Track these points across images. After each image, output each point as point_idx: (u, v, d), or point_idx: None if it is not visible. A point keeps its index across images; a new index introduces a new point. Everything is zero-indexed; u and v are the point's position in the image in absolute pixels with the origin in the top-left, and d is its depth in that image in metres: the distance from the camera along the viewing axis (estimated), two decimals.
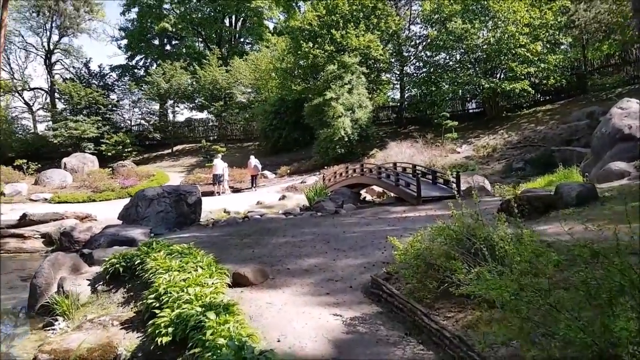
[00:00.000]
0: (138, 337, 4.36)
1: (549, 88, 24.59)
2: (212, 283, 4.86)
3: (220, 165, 20.35)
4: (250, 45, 41.66)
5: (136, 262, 6.08)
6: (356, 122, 23.27)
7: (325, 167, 22.02)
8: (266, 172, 23.60)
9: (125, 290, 5.92)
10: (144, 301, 4.71)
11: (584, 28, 24.59)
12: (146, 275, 5.51)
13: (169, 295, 4.46)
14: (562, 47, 24.70)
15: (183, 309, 4.08)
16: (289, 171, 23.96)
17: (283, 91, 28.29)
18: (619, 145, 15.59)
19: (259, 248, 8.02)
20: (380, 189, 16.27)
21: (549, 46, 23.42)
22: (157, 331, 3.97)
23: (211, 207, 15.47)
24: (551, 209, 8.89)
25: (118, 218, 11.66)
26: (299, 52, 25.59)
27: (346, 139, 22.73)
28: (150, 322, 4.18)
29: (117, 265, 6.09)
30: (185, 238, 9.33)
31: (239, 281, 5.81)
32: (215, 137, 34.31)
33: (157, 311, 4.27)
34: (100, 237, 9.04)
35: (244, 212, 14.38)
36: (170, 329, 3.93)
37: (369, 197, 16.77)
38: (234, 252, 7.83)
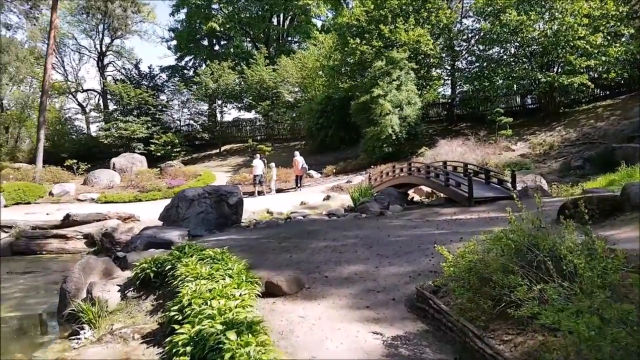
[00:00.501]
0: (158, 353, 4.02)
1: (609, 82, 22.86)
2: (240, 295, 4.45)
3: (260, 166, 19.98)
4: (297, 44, 41.51)
5: (167, 268, 5.80)
6: (404, 120, 22.45)
7: (372, 167, 21.39)
8: (312, 172, 23.25)
9: (155, 297, 5.65)
10: (167, 313, 4.37)
11: None
12: (175, 282, 5.19)
13: (192, 308, 4.09)
14: (623, 39, 22.81)
15: (204, 325, 3.68)
16: (334, 170, 23.48)
17: (330, 89, 27.86)
18: None
19: (297, 252, 7.59)
20: (428, 189, 15.49)
21: (609, 38, 21.69)
22: (174, 350, 3.60)
23: (254, 208, 15.27)
24: (617, 211, 7.94)
25: (159, 219, 11.60)
26: (346, 49, 25.03)
27: (394, 137, 21.97)
28: (169, 338, 3.82)
29: (147, 271, 5.83)
30: (222, 241, 9.06)
31: (271, 291, 5.39)
32: (263, 136, 34.35)
33: (176, 326, 3.91)
34: (137, 239, 8.92)
35: (287, 213, 14.05)
36: (188, 348, 3.55)
37: (417, 198, 16.02)
38: (271, 256, 7.45)
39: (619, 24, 21.37)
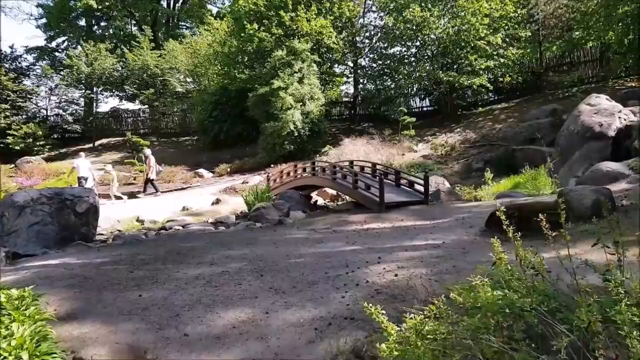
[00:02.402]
0: None
1: (504, 86, 23.25)
2: None
3: (83, 166, 16.01)
4: (189, 30, 37.96)
5: None
6: (307, 116, 20.69)
7: (272, 166, 19.40)
8: (202, 170, 20.55)
9: None
10: None
11: (543, 23, 23.38)
12: None
13: None
14: (521, 42, 23.33)
15: None
16: (229, 169, 21.02)
17: (225, 79, 25.24)
18: (589, 144, 14.17)
19: (153, 288, 5.19)
20: (334, 192, 13.75)
21: (508, 40, 21.94)
22: None
23: (122, 215, 12.35)
24: (556, 223, 6.58)
25: None
26: (243, 35, 22.62)
27: (296, 134, 20.12)
28: None
29: None
30: (49, 268, 6.34)
31: None
32: (147, 130, 30.60)
33: None
34: None
35: (162, 222, 11.41)
36: None
37: (320, 201, 14.19)
38: (110, 296, 4.96)
39: (517, 26, 21.59)
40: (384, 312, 2.69)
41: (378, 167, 12.15)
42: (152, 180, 16.76)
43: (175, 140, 28.49)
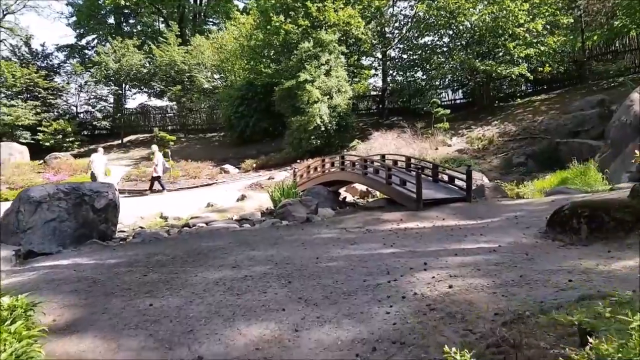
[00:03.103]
0: None
1: (544, 76, 21.87)
2: None
3: (99, 162, 15.68)
4: (216, 25, 37.64)
5: None
6: (334, 110, 19.93)
7: (298, 161, 18.75)
8: (228, 166, 20.06)
9: None
10: None
11: (585, 9, 21.91)
12: None
13: None
14: (561, 30, 21.95)
15: None
16: (255, 165, 20.46)
17: (251, 74, 24.72)
18: None
19: (167, 295, 4.57)
20: (363, 188, 12.99)
21: (548, 27, 20.62)
22: None
23: (145, 211, 11.89)
24: (624, 224, 5.66)
25: None
26: (269, 28, 22.00)
27: (323, 129, 19.40)
28: None
29: None
30: (58, 269, 5.81)
31: None
32: (175, 126, 30.39)
33: None
34: None
35: (186, 219, 10.87)
36: None
37: (349, 198, 13.44)
38: (118, 303, 4.36)
39: (558, 12, 20.27)
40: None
41: (413, 161, 11.32)
42: (159, 177, 16.28)
43: (202, 136, 28.17)
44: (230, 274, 5.24)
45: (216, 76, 29.96)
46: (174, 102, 30.31)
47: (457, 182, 9.86)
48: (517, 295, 3.86)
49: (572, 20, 20.71)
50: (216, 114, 29.28)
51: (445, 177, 10.33)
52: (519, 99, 22.71)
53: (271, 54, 23.77)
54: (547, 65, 20.86)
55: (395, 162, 11.22)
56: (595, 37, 22.87)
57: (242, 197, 13.78)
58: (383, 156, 11.72)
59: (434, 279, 4.57)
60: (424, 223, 7.88)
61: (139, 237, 8.09)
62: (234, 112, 24.08)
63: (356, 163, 11.42)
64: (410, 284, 4.47)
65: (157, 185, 16.42)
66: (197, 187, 17.52)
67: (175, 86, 27.66)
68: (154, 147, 17.20)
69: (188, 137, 27.90)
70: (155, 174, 16.24)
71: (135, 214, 11.38)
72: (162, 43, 28.31)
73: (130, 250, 6.99)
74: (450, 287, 4.24)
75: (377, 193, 12.72)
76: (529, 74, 20.02)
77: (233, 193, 14.81)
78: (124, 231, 10.01)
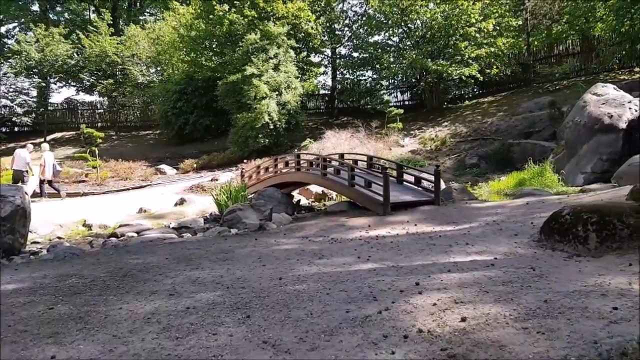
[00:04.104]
0: None
1: (492, 78, 21.89)
2: None
3: (22, 157, 13.72)
4: (153, 16, 35.24)
5: None
6: (284, 107, 18.80)
7: (245, 161, 17.47)
8: (164, 167, 18.34)
9: None
10: None
11: (532, 12, 22.18)
12: None
13: None
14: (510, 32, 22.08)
15: None
16: (195, 165, 18.91)
17: (191, 67, 23.05)
18: (598, 136, 12.81)
19: (79, 339, 3.24)
20: (319, 189, 11.92)
21: (497, 28, 20.62)
22: None
23: (66, 218, 10.14)
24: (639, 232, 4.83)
25: None
26: (212, 17, 20.47)
27: (271, 127, 18.21)
28: None
29: None
30: None
31: None
32: (106, 123, 27.96)
33: None
34: None
35: (114, 227, 9.30)
36: None
37: (304, 201, 12.31)
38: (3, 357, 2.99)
39: (507, 14, 20.27)
40: None
41: (375, 160, 10.40)
42: (50, 181, 14.10)
43: (135, 134, 26.06)
44: (166, 305, 3.96)
45: (152, 69, 27.91)
46: (105, 97, 28.01)
47: (424, 183, 9.01)
48: (558, 332, 2.91)
49: (520, 23, 20.81)
50: (152, 110, 27.24)
51: (410, 178, 9.45)
52: (467, 101, 22.62)
53: (214, 46, 22.25)
54: (495, 67, 20.86)
55: (355, 161, 10.24)
56: (536, 42, 23.25)
57: (181, 201, 12.31)
58: (342, 155, 10.72)
59: (437, 306, 3.54)
60: (396, 230, 6.90)
61: (52, 251, 6.52)
62: (171, 107, 22.40)
63: (314, 162, 10.32)
64: (408, 315, 3.42)
65: (48, 189, 14.08)
66: (127, 189, 15.69)
67: (106, 80, 25.50)
68: (44, 146, 14.96)
69: (120, 134, 25.73)
70: (42, 177, 14.00)
71: (54, 221, 9.64)
72: (92, 33, 25.86)
73: (38, 270, 5.47)
74: (464, 319, 3.23)
75: (334, 194, 11.71)
76: (479, 75, 19.86)
77: (170, 196, 13.26)
78: (38, 242, 8.35)
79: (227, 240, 7.01)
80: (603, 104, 13.29)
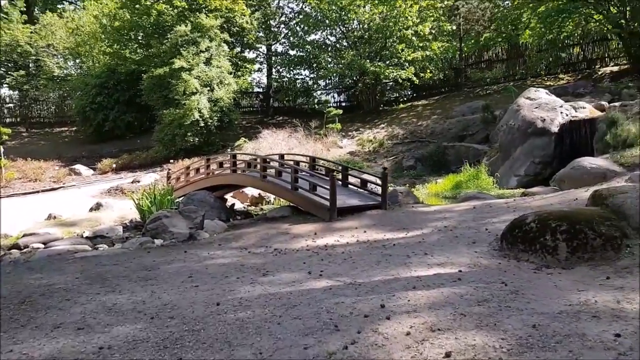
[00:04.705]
0: None
1: (425, 82, 22.18)
2: None
3: None
4: (72, 4, 32.45)
5: None
6: (215, 103, 17.76)
7: (171, 161, 16.31)
8: (79, 167, 16.66)
9: None
10: None
11: (465, 17, 22.73)
12: None
13: None
14: (444, 36, 22.46)
15: None
16: (115, 165, 17.44)
17: (114, 60, 21.34)
18: (532, 140, 13.11)
19: None
20: (256, 192, 11.12)
21: (433, 32, 20.87)
22: None
23: None
24: (612, 241, 4.42)
25: None
26: (138, 7, 18.94)
27: (202, 124, 17.13)
28: None
29: None
30: None
31: None
32: (15, 118, 25.28)
33: None
34: None
35: (17, 237, 7.97)
36: None
37: (239, 205, 11.42)
38: None
39: (442, 18, 20.54)
40: None
41: (320, 161, 9.80)
42: None
43: (49, 131, 23.74)
44: (73, 345, 3.08)
45: (70, 62, 25.66)
46: (16, 91, 25.33)
47: (370, 186, 8.52)
48: None
49: (455, 27, 21.18)
50: (68, 105, 25.00)
51: (355, 181, 8.92)
52: (402, 104, 22.73)
53: (139, 38, 20.68)
54: (429, 71, 21.09)
55: (297, 163, 9.53)
56: (465, 48, 23.87)
57: (98, 206, 10.97)
58: (282, 156, 9.97)
59: (411, 336, 2.97)
60: (345, 238, 6.30)
61: None
62: (90, 102, 20.62)
63: (252, 163, 9.49)
64: (380, 350, 2.82)
65: None
66: (36, 192, 13.92)
67: (17, 71, 23.02)
68: None
69: (31, 131, 23.34)
70: None
71: None
72: (2, 20, 23.24)
73: None
74: (448, 355, 2.67)
75: (272, 197, 10.96)
76: (415, 78, 19.94)
77: (85, 200, 11.85)
78: None
79: (151, 254, 6.06)
80: (536, 107, 13.59)
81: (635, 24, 16.02)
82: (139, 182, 13.91)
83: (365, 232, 6.61)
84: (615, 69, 18.33)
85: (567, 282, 3.86)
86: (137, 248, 6.42)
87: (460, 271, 4.31)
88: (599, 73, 18.36)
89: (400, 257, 5.00)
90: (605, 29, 17.80)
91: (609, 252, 4.18)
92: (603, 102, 13.23)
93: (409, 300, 3.61)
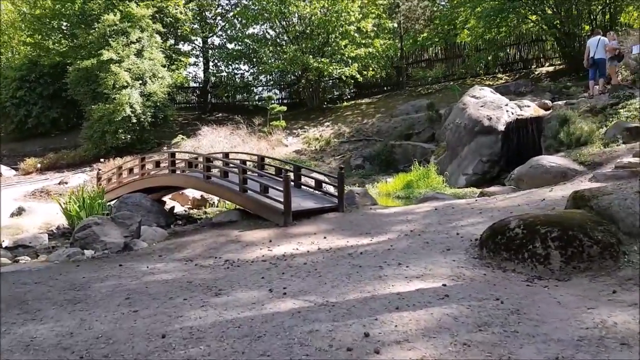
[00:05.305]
0: None
1: (368, 80, 22.03)
2: None
3: None
4: None
5: None
6: (149, 98, 16.54)
7: (102, 160, 15.07)
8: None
9: None
10: None
11: (406, 15, 22.79)
12: None
13: None
14: (386, 34, 22.38)
15: None
16: (40, 165, 15.92)
17: (35, 50, 19.53)
18: (478, 138, 13.10)
19: None
20: (198, 194, 10.24)
21: (375, 29, 20.71)
22: None
23: None
24: (610, 248, 4.09)
25: None
26: None
27: (134, 120, 15.89)
28: None
29: None
30: None
31: None
32: None
33: None
34: None
35: None
36: None
37: (179, 208, 10.47)
38: None
39: (384, 15, 20.41)
40: None
41: (268, 161, 9.10)
42: None
43: None
44: None
45: None
46: None
47: (325, 187, 7.97)
48: None
49: (396, 25, 21.13)
50: None
51: (309, 181, 8.34)
52: (345, 102, 22.43)
53: (63, 27, 18.96)
54: (372, 69, 20.90)
55: (244, 162, 8.77)
56: (405, 47, 23.99)
57: (20, 211, 9.70)
58: (227, 155, 9.16)
59: None
60: (305, 245, 5.70)
61: None
62: (10, 97, 18.79)
63: (194, 163, 8.62)
64: None
65: None
66: None
67: None
68: None
69: None
70: None
71: None
72: None
73: None
74: None
75: (216, 199, 10.13)
76: (358, 76, 19.67)
77: (6, 204, 10.42)
78: None
79: (81, 268, 5.15)
80: (482, 106, 13.60)
81: (570, 26, 16.61)
82: (66, 183, 12.62)
83: (325, 238, 6.04)
84: (551, 69, 18.98)
85: (569, 297, 3.47)
86: (65, 261, 5.49)
87: (444, 285, 3.84)
88: (536, 73, 18.92)
89: (372, 268, 4.47)
90: (541, 29, 18.36)
91: (607, 260, 3.86)
92: (546, 101, 13.47)
93: (396, 326, 3.07)
